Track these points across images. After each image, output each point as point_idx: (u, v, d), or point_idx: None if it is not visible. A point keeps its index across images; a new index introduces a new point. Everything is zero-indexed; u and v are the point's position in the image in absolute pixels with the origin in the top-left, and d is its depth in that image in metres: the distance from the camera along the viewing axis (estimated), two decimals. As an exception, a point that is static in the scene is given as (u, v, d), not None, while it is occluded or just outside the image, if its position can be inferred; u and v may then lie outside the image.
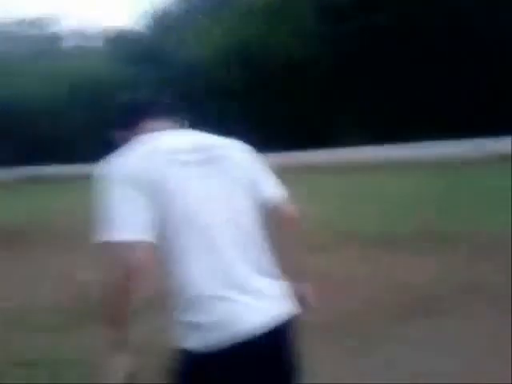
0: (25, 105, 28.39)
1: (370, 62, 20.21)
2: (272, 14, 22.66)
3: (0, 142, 29.27)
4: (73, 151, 26.58)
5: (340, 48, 20.63)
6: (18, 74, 31.23)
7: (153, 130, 1.64)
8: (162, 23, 28.59)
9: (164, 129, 1.66)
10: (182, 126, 1.73)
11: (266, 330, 1.46)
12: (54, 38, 43.70)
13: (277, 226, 1.70)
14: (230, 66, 23.33)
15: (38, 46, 40.13)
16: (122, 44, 31.67)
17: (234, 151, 1.66)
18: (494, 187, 10.10)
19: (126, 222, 1.37)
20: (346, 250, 6.49)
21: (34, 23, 45.56)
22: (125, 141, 1.64)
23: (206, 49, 24.29)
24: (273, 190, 1.72)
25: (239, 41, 23.26)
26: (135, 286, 1.37)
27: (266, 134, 21.89)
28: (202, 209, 1.49)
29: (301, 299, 1.75)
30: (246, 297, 1.48)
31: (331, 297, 4.37)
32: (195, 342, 1.44)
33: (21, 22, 45.29)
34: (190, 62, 24.57)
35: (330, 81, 21.00)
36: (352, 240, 6.92)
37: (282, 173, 2.27)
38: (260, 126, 22.46)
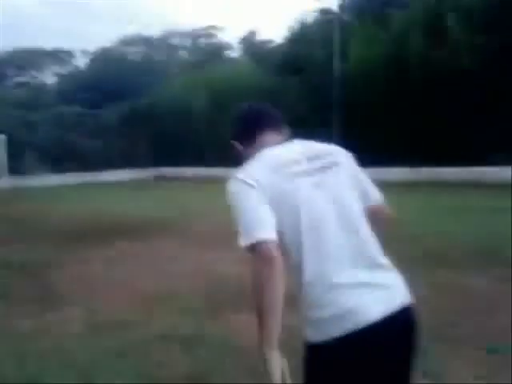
0: (176, 110, 30.59)
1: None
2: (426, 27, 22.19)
3: (145, 143, 31.82)
4: (211, 156, 28.14)
5: (493, 61, 19.50)
6: (177, 81, 34.00)
7: (270, 143, 1.84)
8: (307, 35, 29.13)
9: (279, 141, 1.87)
10: (291, 138, 1.92)
11: (384, 319, 1.57)
12: (218, 48, 47.04)
13: (377, 225, 1.82)
14: (378, 79, 23.16)
15: (202, 55, 43.51)
16: (268, 54, 32.87)
17: (342, 157, 1.85)
18: None
19: (263, 223, 1.57)
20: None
21: (199, 33, 49.37)
22: (245, 152, 1.89)
23: (353, 62, 24.41)
24: (376, 192, 1.91)
25: (386, 54, 23.05)
26: (279, 277, 1.51)
27: (407, 147, 21.48)
28: (319, 216, 1.66)
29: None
30: (363, 289, 1.60)
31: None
32: (320, 335, 1.58)
33: (186, 33, 49.31)
34: (334, 74, 24.80)
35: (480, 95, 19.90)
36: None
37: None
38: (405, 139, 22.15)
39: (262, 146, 1.82)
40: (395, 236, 7.36)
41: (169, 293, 5.66)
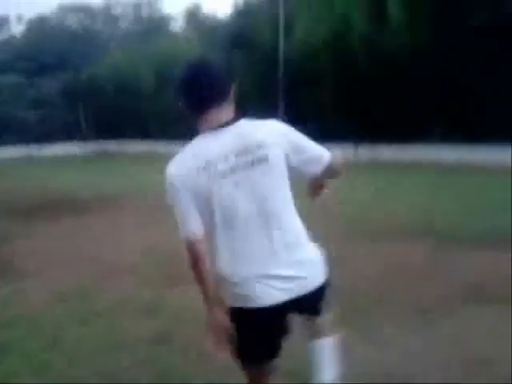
0: (118, 83, 30.05)
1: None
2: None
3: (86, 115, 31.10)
4: (155, 130, 28.01)
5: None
6: (119, 53, 33.20)
7: (213, 122, 1.97)
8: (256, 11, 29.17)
9: (223, 118, 1.98)
10: (237, 115, 2.03)
11: (278, 304, 1.99)
12: (160, 20, 45.99)
13: (324, 175, 2.13)
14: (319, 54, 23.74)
15: (144, 27, 42.51)
16: (213, 29, 32.70)
17: (276, 138, 1.99)
18: None
19: (188, 221, 1.95)
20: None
21: (141, 4, 48.06)
22: (196, 122, 2.01)
23: (299, 38, 24.76)
24: (321, 153, 2.08)
25: (331, 31, 23.51)
26: (202, 261, 1.96)
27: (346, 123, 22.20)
28: (235, 216, 1.94)
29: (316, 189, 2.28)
30: (263, 281, 1.97)
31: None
32: (234, 303, 2.03)
33: (128, 4, 47.79)
34: (280, 50, 25.12)
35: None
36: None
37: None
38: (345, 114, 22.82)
39: (207, 123, 1.99)
40: (332, 212, 7.85)
41: (124, 265, 5.88)
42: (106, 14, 52.32)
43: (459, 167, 15.25)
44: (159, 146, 24.68)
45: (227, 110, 2.01)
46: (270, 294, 1.96)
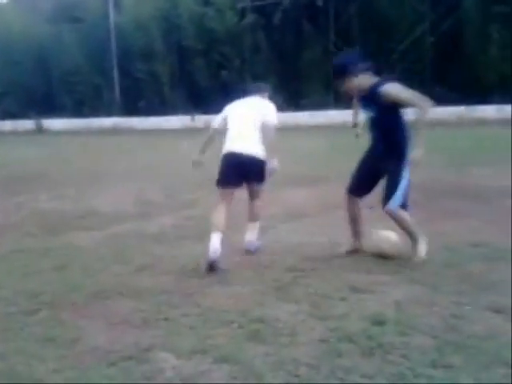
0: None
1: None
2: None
3: None
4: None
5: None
6: None
7: None
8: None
9: None
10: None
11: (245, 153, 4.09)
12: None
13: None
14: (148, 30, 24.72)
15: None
16: (37, 1, 31.47)
17: None
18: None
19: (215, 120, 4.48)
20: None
21: None
22: None
23: (128, 13, 25.41)
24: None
25: (159, 8, 24.61)
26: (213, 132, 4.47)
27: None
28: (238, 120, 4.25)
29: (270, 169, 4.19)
30: (242, 142, 4.11)
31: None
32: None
33: None
34: (110, 25, 25.57)
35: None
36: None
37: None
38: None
39: None
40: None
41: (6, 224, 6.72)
42: None
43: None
44: None
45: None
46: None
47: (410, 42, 20.81)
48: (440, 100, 20.42)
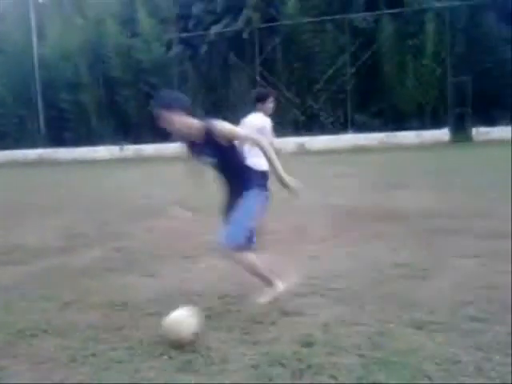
0: None
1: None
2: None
3: None
4: None
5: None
6: None
7: None
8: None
9: None
10: None
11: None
12: None
13: None
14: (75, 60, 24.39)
15: None
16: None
17: None
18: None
19: None
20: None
21: None
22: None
23: (52, 43, 24.96)
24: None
25: (84, 39, 24.33)
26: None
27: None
28: None
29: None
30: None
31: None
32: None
33: None
34: (34, 55, 24.99)
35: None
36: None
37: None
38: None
39: None
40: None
41: None
42: None
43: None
44: None
45: None
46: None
47: (332, 72, 21.69)
48: (361, 127, 21.64)
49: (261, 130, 4.50)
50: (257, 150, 3.44)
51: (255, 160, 3.95)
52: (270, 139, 4.44)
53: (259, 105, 4.90)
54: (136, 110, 23.92)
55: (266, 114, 4.90)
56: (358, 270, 4.03)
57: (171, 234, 4.62)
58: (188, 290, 3.99)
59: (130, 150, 22.89)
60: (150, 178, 14.21)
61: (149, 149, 22.23)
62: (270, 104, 4.91)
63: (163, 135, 22.59)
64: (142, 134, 22.78)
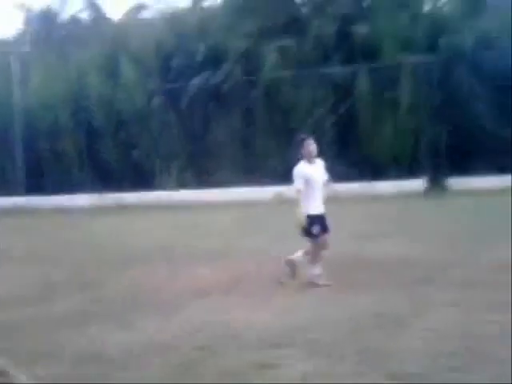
0: None
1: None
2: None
3: None
4: None
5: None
6: None
7: None
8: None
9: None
10: None
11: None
12: None
13: None
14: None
15: None
16: None
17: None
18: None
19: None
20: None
21: None
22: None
23: (35, 94, 25.18)
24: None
25: (67, 89, 24.62)
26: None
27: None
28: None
29: None
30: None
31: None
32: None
33: None
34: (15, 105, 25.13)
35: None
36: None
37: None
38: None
39: None
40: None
41: None
42: None
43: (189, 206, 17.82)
44: None
45: None
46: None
47: (311, 123, 22.16)
48: (341, 177, 21.87)
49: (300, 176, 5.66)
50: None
51: None
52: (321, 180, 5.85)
53: (301, 150, 5.63)
54: (116, 158, 23.99)
55: (308, 157, 5.57)
56: (335, 321, 4.01)
57: (149, 283, 4.57)
58: (163, 341, 3.92)
59: (110, 198, 22.76)
60: (129, 225, 14.11)
61: (129, 197, 22.13)
62: (308, 147, 5.56)
63: (144, 183, 22.92)
64: (122, 182, 22.80)
